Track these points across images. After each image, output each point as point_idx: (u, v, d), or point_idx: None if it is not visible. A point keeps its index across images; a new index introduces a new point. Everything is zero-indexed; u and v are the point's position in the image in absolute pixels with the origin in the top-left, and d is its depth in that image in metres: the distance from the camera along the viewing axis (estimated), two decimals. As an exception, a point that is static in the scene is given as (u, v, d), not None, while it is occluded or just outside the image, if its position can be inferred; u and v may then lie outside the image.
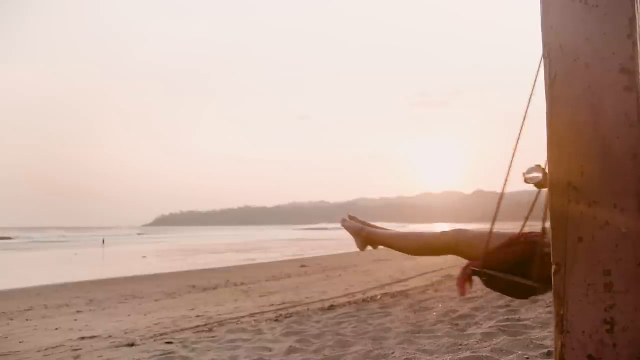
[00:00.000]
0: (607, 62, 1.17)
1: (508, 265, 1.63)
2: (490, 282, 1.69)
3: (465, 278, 1.70)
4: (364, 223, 2.28)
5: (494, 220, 1.63)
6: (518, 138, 1.54)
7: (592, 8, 1.19)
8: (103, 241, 39.32)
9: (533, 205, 1.57)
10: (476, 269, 1.68)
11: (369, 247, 2.24)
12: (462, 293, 1.74)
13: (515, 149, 1.58)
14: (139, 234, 74.41)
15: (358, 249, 2.27)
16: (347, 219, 2.34)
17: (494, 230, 1.70)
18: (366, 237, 2.22)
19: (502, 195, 1.64)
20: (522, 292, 1.70)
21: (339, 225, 2.33)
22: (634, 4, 1.16)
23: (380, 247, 2.03)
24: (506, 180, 1.57)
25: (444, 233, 1.95)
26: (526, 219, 1.63)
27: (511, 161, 1.56)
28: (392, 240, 2.14)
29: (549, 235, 1.48)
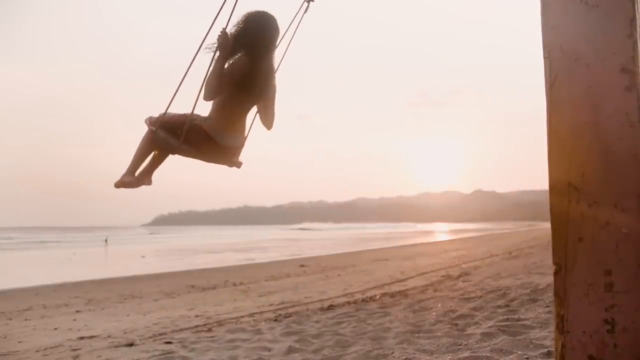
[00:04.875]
0: (607, 62, 1.16)
1: (171, 129, 2.59)
2: (155, 138, 2.63)
3: (147, 127, 2.66)
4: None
5: (172, 99, 2.51)
6: None
7: (593, 8, 1.18)
8: (106, 241, 39.28)
9: None
10: (152, 128, 2.62)
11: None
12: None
13: None
14: (151, 233, 74.06)
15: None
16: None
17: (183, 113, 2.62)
18: (130, 175, 2.80)
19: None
20: (169, 148, 2.65)
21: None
22: (635, 5, 1.16)
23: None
24: None
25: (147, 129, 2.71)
26: (192, 111, 2.55)
27: None
28: (132, 163, 2.76)
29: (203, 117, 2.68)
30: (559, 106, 1.22)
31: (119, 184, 2.80)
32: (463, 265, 11.12)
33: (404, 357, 3.34)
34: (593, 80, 1.17)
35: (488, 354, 3.13)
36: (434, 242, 30.21)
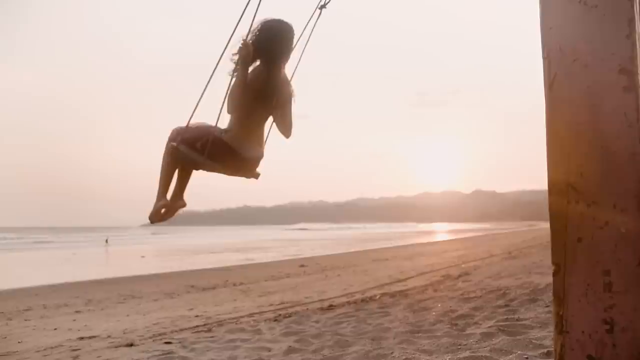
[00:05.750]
0: (606, 62, 1.17)
1: (191, 144, 2.51)
2: (178, 155, 2.55)
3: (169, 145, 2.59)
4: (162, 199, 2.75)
5: (193, 112, 2.46)
6: None
7: (592, 9, 1.19)
8: (106, 241, 39.24)
9: None
10: (174, 143, 2.55)
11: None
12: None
13: None
14: (151, 233, 73.64)
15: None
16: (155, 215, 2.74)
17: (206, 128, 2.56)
18: (163, 198, 2.70)
19: None
20: (193, 164, 2.60)
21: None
22: (633, 5, 1.16)
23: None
24: None
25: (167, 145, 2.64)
26: (217, 124, 2.50)
27: None
28: (160, 186, 2.66)
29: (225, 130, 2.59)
30: (558, 106, 1.22)
31: (155, 216, 2.67)
32: (463, 265, 11.12)
33: (404, 357, 3.34)
34: (592, 81, 1.18)
35: (488, 354, 3.13)
36: (434, 242, 30.21)
